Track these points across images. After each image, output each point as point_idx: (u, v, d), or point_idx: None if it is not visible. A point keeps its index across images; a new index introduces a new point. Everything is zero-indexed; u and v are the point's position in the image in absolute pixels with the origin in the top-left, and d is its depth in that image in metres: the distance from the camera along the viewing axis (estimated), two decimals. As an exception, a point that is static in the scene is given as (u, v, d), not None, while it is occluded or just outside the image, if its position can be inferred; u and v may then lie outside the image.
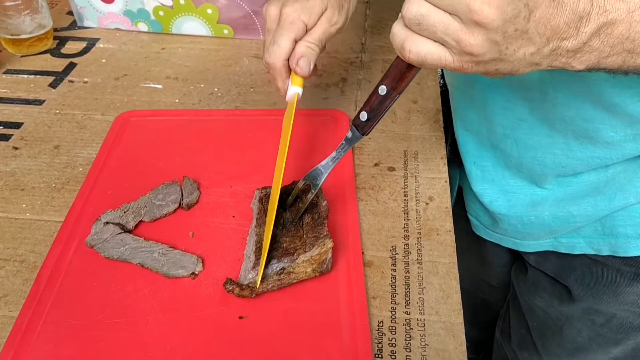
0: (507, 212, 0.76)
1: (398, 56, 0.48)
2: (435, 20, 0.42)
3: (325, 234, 0.59)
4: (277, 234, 0.61)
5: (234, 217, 0.67)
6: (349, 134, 0.59)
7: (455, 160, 0.82)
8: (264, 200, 0.65)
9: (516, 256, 0.88)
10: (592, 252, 0.73)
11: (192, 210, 0.67)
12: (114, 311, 0.56)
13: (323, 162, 0.62)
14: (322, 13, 0.64)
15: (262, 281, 0.57)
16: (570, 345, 0.82)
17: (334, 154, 0.61)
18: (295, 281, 0.58)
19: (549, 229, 0.74)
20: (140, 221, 0.66)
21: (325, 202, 0.64)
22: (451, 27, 0.41)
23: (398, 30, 0.45)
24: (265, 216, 0.61)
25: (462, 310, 0.58)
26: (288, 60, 0.64)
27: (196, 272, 0.60)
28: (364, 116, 0.56)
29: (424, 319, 0.57)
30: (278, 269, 0.57)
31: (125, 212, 0.66)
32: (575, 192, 0.69)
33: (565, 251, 0.76)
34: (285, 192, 0.65)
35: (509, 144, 0.71)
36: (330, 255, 0.58)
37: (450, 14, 0.41)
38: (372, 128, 0.57)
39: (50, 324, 0.55)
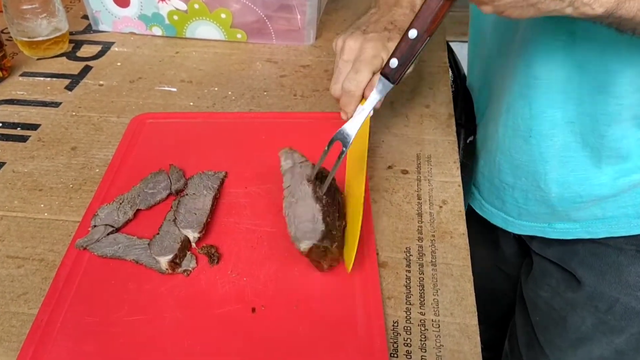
0: (513, 182, 0.78)
1: None
2: None
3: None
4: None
5: (249, 217, 0.67)
6: (379, 85, 0.59)
7: (468, 163, 0.83)
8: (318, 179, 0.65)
9: (524, 248, 0.89)
10: (588, 237, 0.75)
11: (208, 211, 0.68)
12: (132, 309, 0.57)
13: (352, 119, 0.61)
14: None
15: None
16: (573, 336, 0.83)
17: (364, 106, 0.61)
18: None
19: (552, 209, 0.76)
20: (138, 210, 0.67)
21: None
22: None
23: None
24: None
25: (476, 312, 0.58)
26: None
27: (189, 269, 0.60)
28: (394, 63, 0.56)
29: (439, 320, 0.57)
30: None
31: (121, 204, 0.67)
32: (582, 176, 0.71)
33: (557, 237, 0.78)
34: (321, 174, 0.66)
35: (522, 105, 0.72)
36: None
37: None
38: (402, 76, 0.57)
39: (69, 321, 0.56)
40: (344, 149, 0.61)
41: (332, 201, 0.62)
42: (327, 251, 0.58)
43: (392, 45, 0.66)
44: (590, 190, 0.71)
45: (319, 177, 0.64)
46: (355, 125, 0.61)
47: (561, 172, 0.73)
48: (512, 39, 0.71)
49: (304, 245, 0.57)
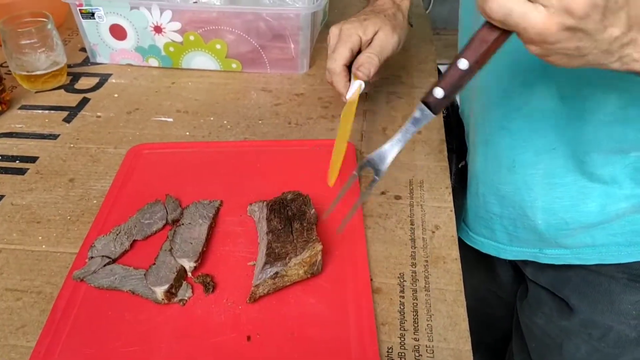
0: (500, 212, 0.79)
1: (482, 26, 0.46)
2: None
3: (314, 238, 0.62)
4: (269, 241, 0.63)
5: (244, 245, 0.68)
6: (417, 113, 0.53)
7: (460, 188, 0.84)
8: (275, 211, 0.67)
9: (520, 274, 0.89)
10: (579, 263, 0.75)
11: (204, 240, 0.69)
12: (128, 340, 0.58)
13: (386, 145, 0.57)
14: (376, 32, 0.79)
15: (258, 286, 0.59)
16: None
17: (399, 136, 0.56)
18: (288, 283, 0.61)
19: (539, 236, 0.76)
20: (135, 240, 0.68)
21: (313, 210, 0.67)
22: None
23: None
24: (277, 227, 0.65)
25: (469, 338, 0.59)
26: (347, 66, 0.79)
27: (185, 299, 0.61)
28: (439, 93, 0.51)
29: (433, 346, 0.58)
30: (272, 273, 0.60)
31: (117, 235, 0.68)
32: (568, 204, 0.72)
33: (548, 262, 0.78)
34: (277, 202, 0.68)
35: (502, 136, 0.72)
36: (320, 257, 0.62)
37: None
38: (443, 107, 0.53)
39: (66, 353, 0.56)
40: (376, 177, 0.58)
41: (284, 226, 0.65)
42: (278, 275, 0.60)
43: (367, 24, 0.78)
44: (577, 217, 0.71)
45: (275, 207, 0.68)
46: (390, 152, 0.57)
47: (546, 200, 0.73)
48: (491, 72, 0.71)
49: (252, 290, 0.60)
